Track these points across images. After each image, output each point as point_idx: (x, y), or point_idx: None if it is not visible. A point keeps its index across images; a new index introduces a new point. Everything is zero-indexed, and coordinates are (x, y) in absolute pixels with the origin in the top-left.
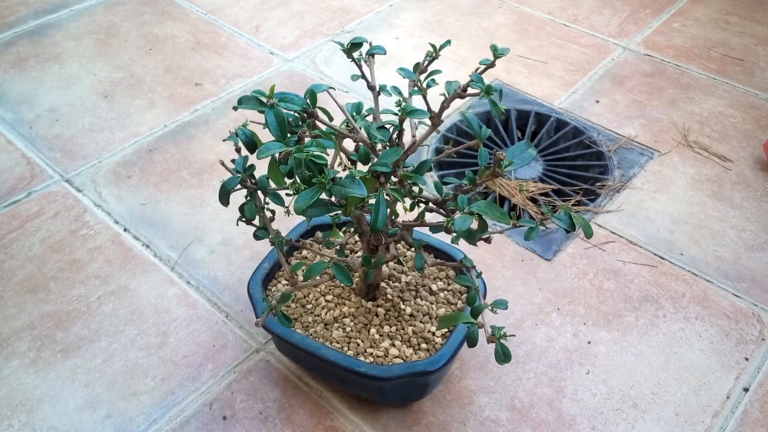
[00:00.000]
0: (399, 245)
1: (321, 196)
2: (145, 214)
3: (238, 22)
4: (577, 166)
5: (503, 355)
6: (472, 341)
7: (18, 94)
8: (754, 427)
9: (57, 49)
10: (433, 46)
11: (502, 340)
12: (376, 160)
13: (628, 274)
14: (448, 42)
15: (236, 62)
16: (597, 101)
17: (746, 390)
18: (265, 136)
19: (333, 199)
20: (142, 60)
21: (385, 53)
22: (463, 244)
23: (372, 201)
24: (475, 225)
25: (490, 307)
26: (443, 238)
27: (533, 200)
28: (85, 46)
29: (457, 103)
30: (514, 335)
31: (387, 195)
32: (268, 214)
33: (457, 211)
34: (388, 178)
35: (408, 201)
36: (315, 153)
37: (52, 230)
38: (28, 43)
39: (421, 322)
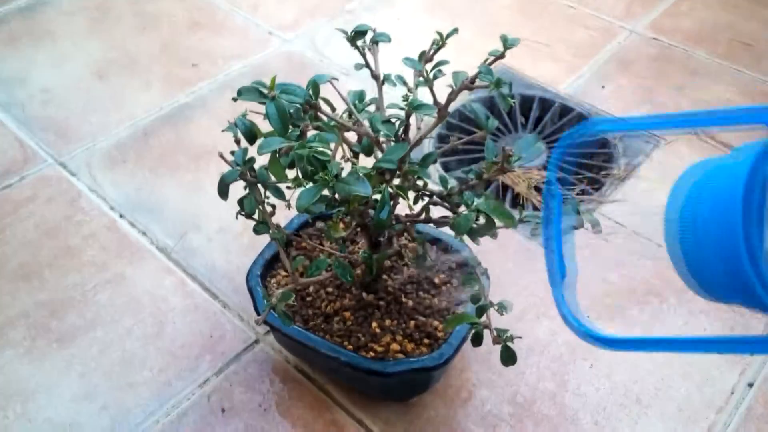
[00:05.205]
0: (402, 237)
1: (324, 193)
2: (140, 199)
3: (235, 0)
4: (581, 154)
5: (508, 357)
6: (477, 341)
7: (10, 73)
8: (759, 423)
9: (50, 26)
10: (439, 34)
11: (508, 343)
12: (380, 154)
13: (633, 266)
14: (455, 30)
15: (234, 42)
16: (603, 86)
17: (750, 385)
18: (266, 125)
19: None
20: (137, 39)
21: (390, 41)
22: (466, 238)
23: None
24: (481, 219)
25: (495, 308)
26: (446, 230)
27: (537, 189)
28: (78, 23)
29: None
30: (521, 337)
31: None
32: (269, 208)
33: (462, 206)
34: (394, 175)
35: (412, 195)
36: (318, 149)
37: (46, 216)
38: (20, 20)
39: (423, 315)
